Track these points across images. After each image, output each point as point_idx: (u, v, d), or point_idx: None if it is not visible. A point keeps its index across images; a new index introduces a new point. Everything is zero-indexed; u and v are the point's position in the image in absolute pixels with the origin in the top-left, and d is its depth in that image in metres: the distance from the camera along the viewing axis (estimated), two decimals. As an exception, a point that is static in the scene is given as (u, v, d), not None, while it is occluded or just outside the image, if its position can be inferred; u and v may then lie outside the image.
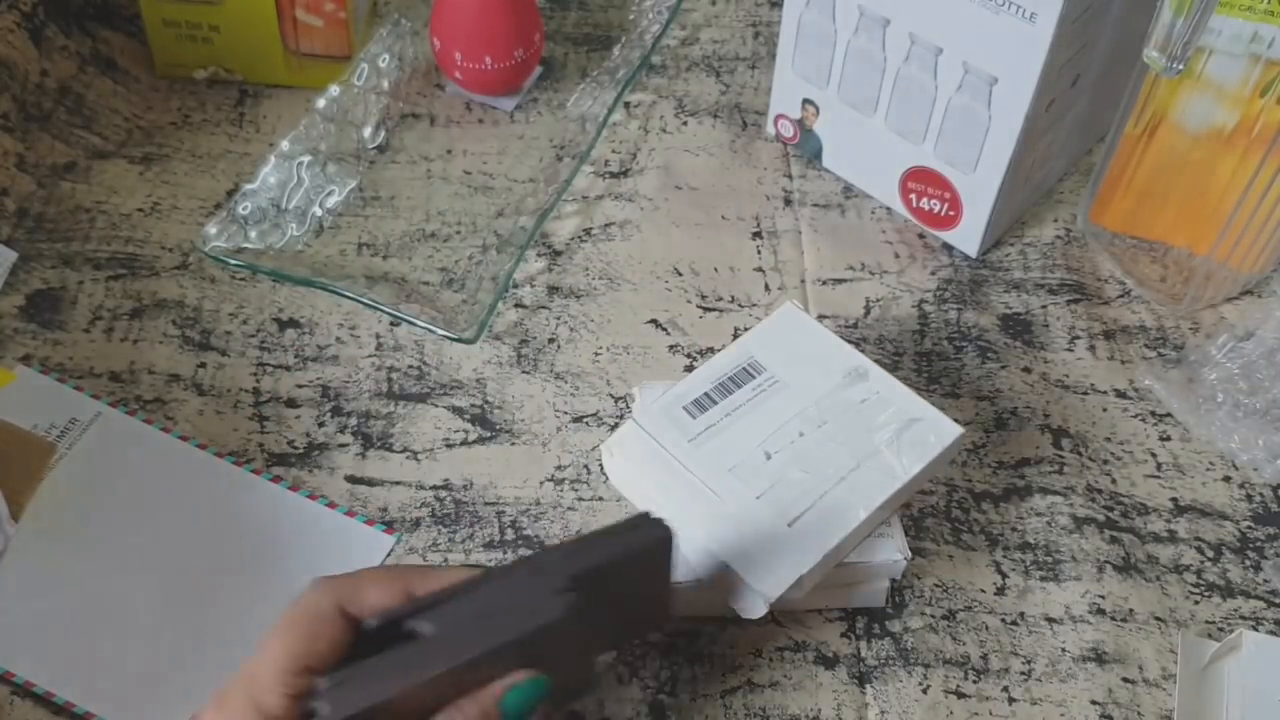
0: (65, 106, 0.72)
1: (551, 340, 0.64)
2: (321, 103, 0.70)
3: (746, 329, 0.59)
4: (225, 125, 0.73)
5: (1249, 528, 0.59)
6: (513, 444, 0.60)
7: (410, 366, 0.63)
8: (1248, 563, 0.58)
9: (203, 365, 0.62)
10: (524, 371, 0.63)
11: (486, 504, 0.58)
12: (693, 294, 0.67)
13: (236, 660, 0.53)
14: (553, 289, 0.67)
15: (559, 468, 0.59)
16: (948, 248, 0.70)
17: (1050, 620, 0.55)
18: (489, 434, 0.61)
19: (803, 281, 0.68)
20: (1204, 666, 0.53)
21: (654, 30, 0.77)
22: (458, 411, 0.61)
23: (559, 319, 0.65)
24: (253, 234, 0.66)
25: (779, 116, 0.73)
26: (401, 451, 0.60)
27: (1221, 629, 0.55)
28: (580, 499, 0.58)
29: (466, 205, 0.70)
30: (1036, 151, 0.66)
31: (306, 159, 0.69)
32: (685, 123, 0.75)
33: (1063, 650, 0.54)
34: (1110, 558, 0.57)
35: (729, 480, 0.52)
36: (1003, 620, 0.55)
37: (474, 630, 0.41)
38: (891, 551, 0.53)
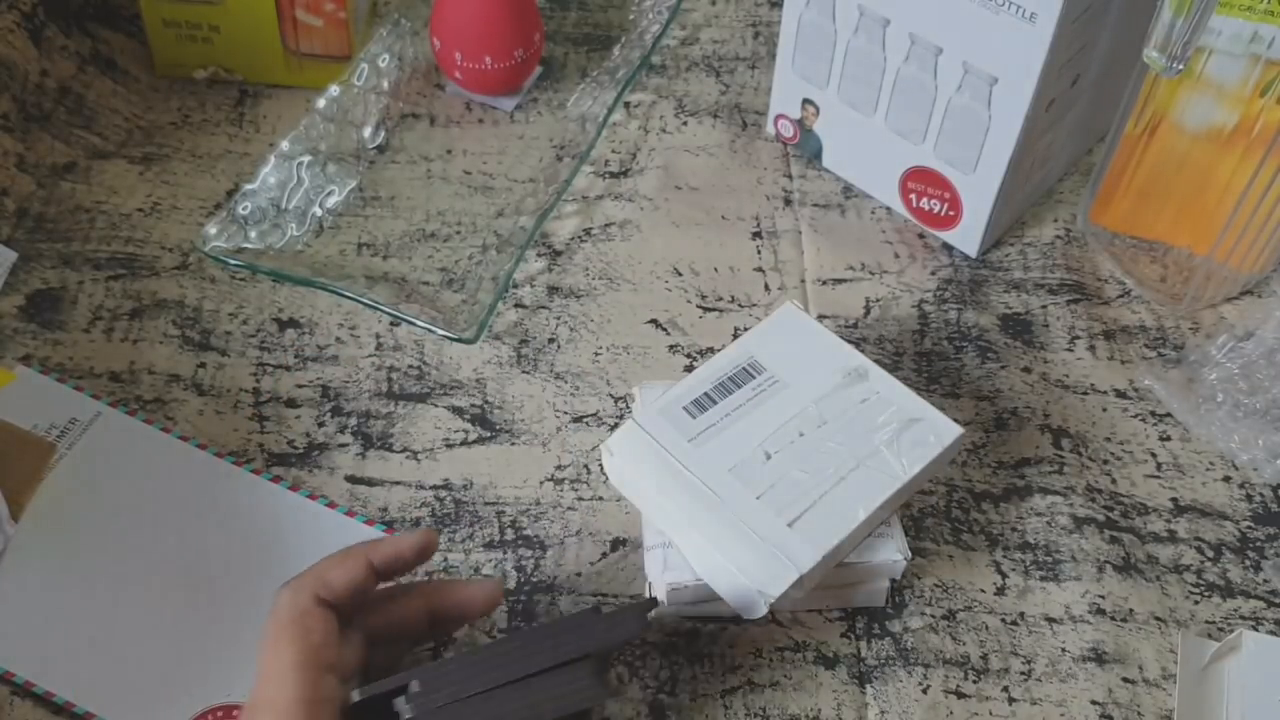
0: (65, 106, 0.72)
1: (551, 340, 0.64)
2: (321, 103, 0.70)
3: (746, 329, 0.59)
4: (225, 125, 0.73)
5: (1249, 528, 0.59)
6: (513, 444, 0.60)
7: (410, 366, 0.63)
8: (1248, 563, 0.58)
9: (203, 365, 0.62)
10: (524, 371, 0.63)
11: (486, 504, 0.58)
12: (693, 294, 0.67)
13: (236, 660, 0.53)
14: (553, 289, 0.67)
15: (559, 468, 0.59)
16: (948, 248, 0.70)
17: (1050, 620, 0.55)
18: (489, 434, 0.61)
19: (803, 281, 0.68)
20: (1204, 666, 0.53)
21: (654, 30, 0.77)
22: (458, 411, 0.61)
23: (559, 319, 0.65)
24: (253, 234, 0.66)
25: (779, 116, 0.73)
26: (401, 451, 0.60)
27: (1221, 629, 0.55)
28: (580, 499, 0.58)
29: (466, 205, 0.70)
30: (1036, 151, 0.66)
31: (306, 159, 0.69)
32: (685, 123, 0.75)
33: (1063, 650, 0.54)
34: (1110, 558, 0.57)
35: (729, 480, 0.52)
36: (1003, 620, 0.55)
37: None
38: (891, 551, 0.53)
